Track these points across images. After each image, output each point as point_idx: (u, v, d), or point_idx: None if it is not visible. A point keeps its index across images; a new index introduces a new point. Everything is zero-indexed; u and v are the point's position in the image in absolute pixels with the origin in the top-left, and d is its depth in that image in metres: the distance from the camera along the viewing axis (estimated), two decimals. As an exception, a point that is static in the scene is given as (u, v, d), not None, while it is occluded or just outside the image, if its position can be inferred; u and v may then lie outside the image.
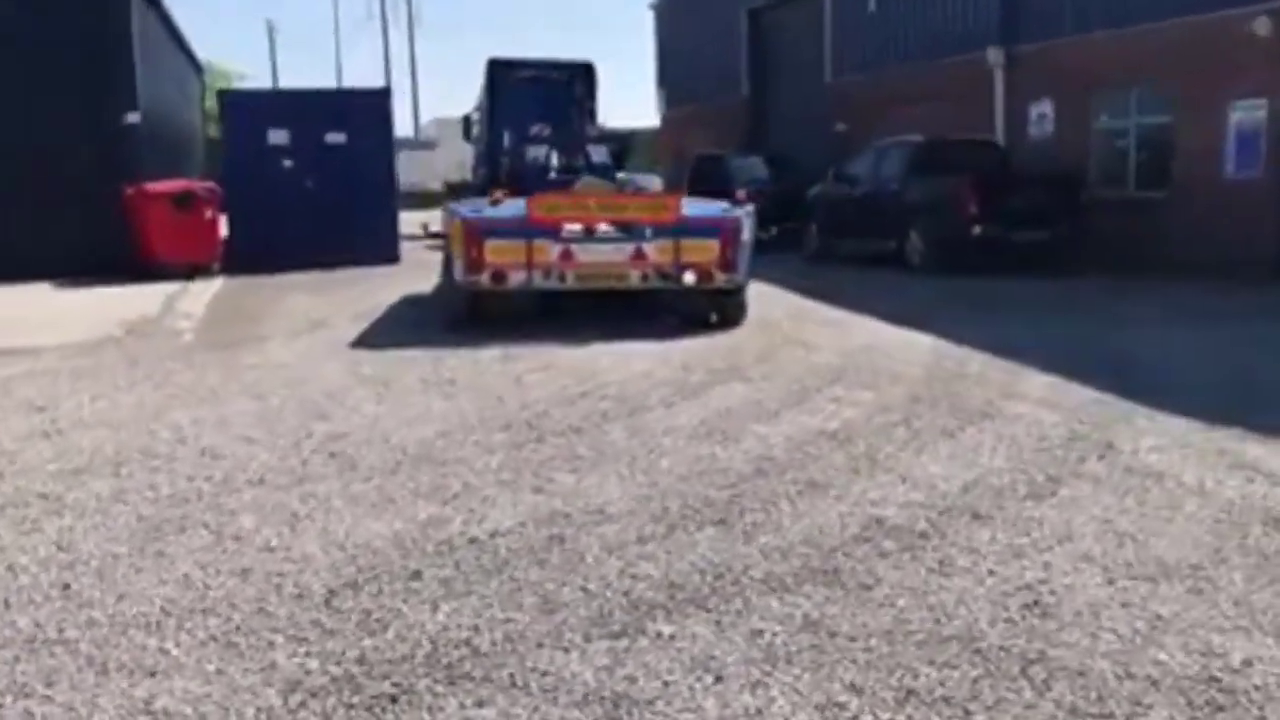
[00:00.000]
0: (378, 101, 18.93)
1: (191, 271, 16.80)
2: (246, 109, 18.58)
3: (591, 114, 24.47)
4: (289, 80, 79.51)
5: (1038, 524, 5.00)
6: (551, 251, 10.42)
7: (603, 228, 10.66)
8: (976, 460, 6.08)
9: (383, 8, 71.80)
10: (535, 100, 23.33)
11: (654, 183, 27.17)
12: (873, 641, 3.80)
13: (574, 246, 10.48)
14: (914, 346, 9.83)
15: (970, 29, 20.06)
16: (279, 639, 3.98)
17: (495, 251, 10.37)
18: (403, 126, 64.56)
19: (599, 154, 23.38)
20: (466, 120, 27.09)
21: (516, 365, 8.90)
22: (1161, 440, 6.43)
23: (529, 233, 10.42)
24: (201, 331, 11.76)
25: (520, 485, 5.73)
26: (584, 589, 4.33)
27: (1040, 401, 7.50)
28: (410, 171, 47.93)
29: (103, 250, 16.76)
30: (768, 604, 4.15)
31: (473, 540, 4.91)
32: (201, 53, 30.15)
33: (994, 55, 19.18)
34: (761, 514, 5.22)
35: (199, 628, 4.10)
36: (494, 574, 4.52)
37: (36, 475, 6.12)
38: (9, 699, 3.57)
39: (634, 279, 10.60)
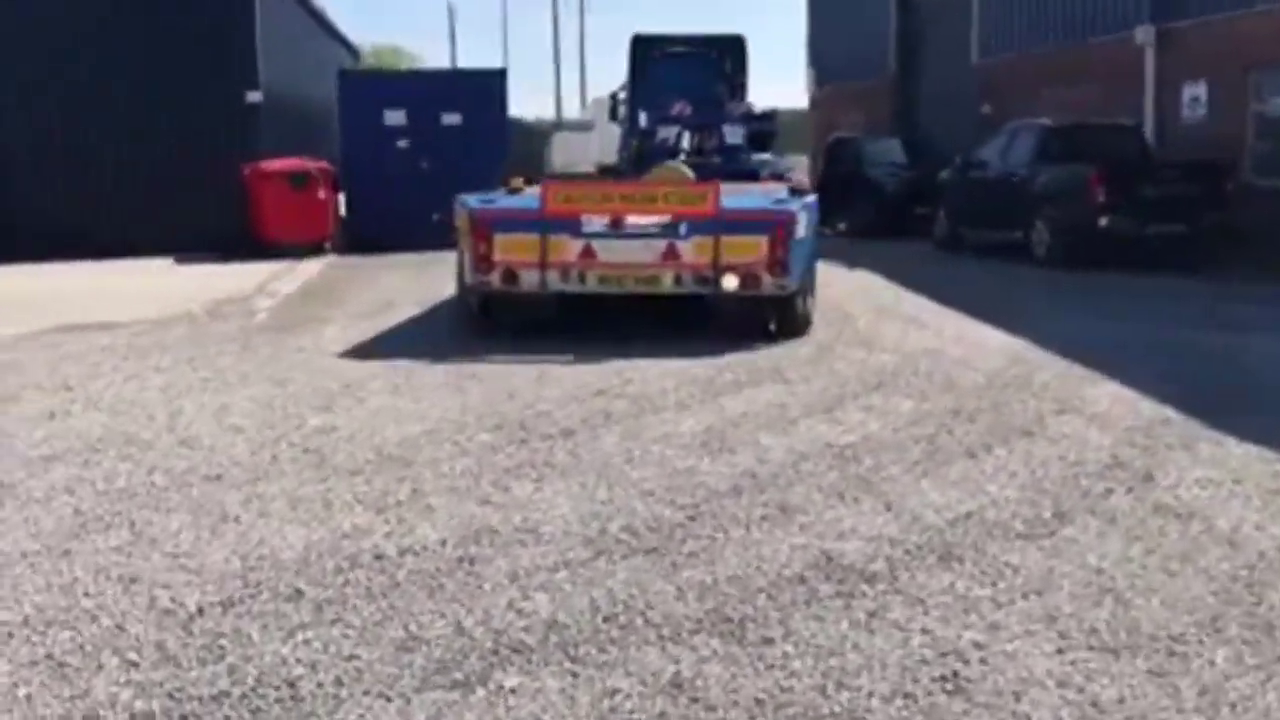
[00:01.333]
0: (493, 82, 18.81)
1: (305, 250, 17.01)
2: (363, 90, 18.73)
3: (741, 91, 22.72)
4: (466, 60, 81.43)
5: (1013, 571, 4.33)
6: (570, 248, 9.07)
7: (632, 220, 9.18)
8: (984, 488, 5.39)
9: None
10: (679, 78, 21.76)
11: (796, 167, 25.93)
12: (732, 714, 3.26)
13: (596, 243, 9.08)
14: (991, 348, 9.02)
15: (1119, 6, 18.60)
16: (113, 662, 3.69)
17: (506, 247, 9.10)
18: (570, 108, 64.88)
19: (734, 135, 21.43)
20: (613, 99, 25.99)
21: (548, 360, 8.49)
22: (1214, 472, 5.60)
23: (544, 226, 9.07)
24: (276, 311, 11.79)
25: (470, 494, 5.34)
26: (457, 624, 3.91)
27: (1096, 418, 6.69)
28: (566, 152, 48.07)
29: (224, 227, 17.15)
30: (645, 656, 3.65)
31: (379, 557, 4.55)
32: (382, 35, 30.75)
33: (1143, 34, 17.72)
34: (706, 542, 4.69)
35: (44, 643, 3.85)
36: (375, 599, 4.14)
37: (12, 460, 6.06)
38: None
39: (666, 282, 9.10)
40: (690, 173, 13.21)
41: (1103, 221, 14.39)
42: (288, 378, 8.13)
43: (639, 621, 3.91)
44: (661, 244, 9.04)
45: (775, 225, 9.09)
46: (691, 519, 4.98)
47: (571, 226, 9.08)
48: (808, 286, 9.57)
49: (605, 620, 3.92)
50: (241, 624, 3.96)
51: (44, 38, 17.34)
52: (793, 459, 5.91)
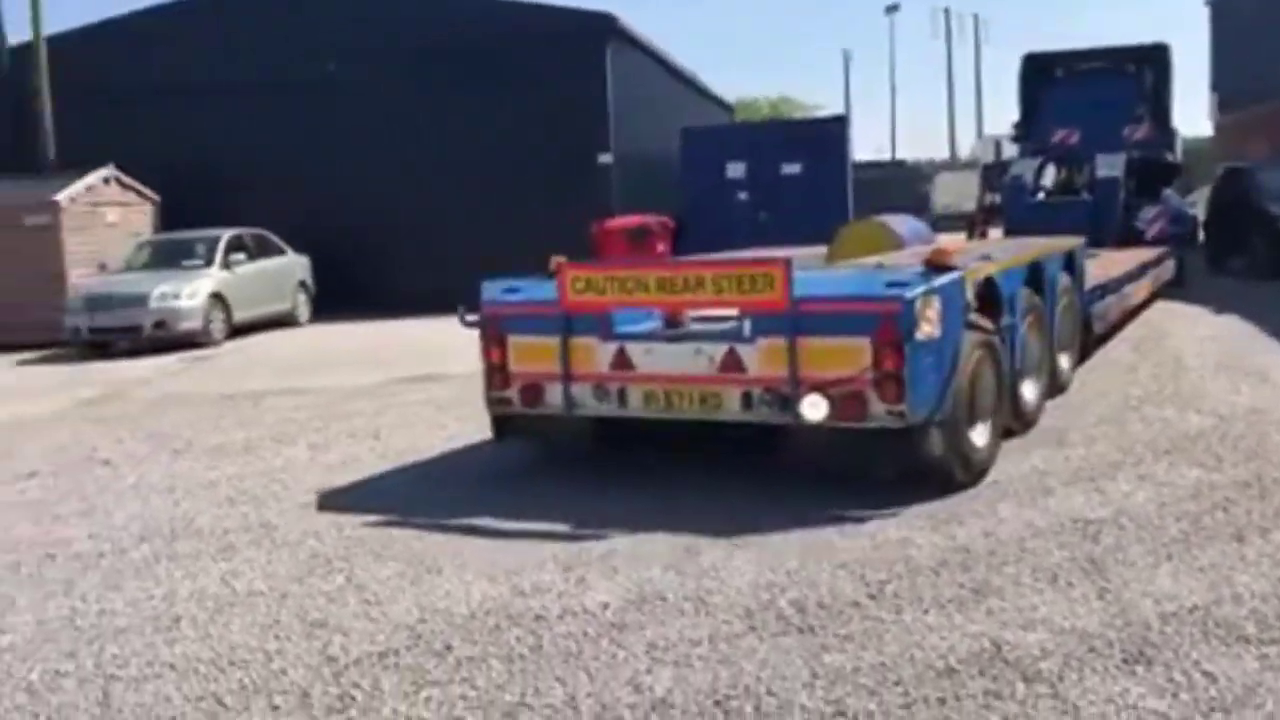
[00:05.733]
0: (833, 130, 18.74)
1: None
2: (705, 145, 19.21)
3: (1164, 113, 18.61)
4: (860, 105, 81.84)
5: (1209, 682, 3.71)
6: (599, 355, 6.51)
7: (693, 316, 6.84)
8: (1233, 579, 4.65)
9: (948, 27, 70.56)
10: (1081, 100, 18.01)
11: (1197, 203, 22.47)
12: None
13: (633, 348, 6.48)
14: (1338, 410, 7.79)
15: None
16: (259, 704, 4.01)
17: (523, 354, 6.72)
18: (966, 146, 62.91)
19: (1109, 166, 17.57)
20: (1020, 128, 19.78)
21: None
22: None
23: (566, 324, 6.55)
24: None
25: (659, 559, 5.28)
26: (571, 696, 3.89)
27: None
28: (949, 194, 46.79)
29: (580, 282, 18.21)
30: (734, 745, 3.45)
31: (539, 618, 4.61)
32: (778, 88, 31.29)
33: None
34: (872, 624, 4.38)
35: (218, 681, 4.22)
36: (512, 661, 4.20)
37: (289, 503, 6.70)
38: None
39: (731, 405, 6.18)
40: (902, 230, 9.95)
41: None
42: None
43: (749, 708, 3.71)
44: (719, 349, 6.24)
45: (879, 321, 5.83)
46: (872, 597, 4.67)
47: (601, 325, 6.57)
48: (963, 415, 6.18)
49: (715, 704, 3.76)
50: (383, 676, 4.15)
51: (429, 119, 19.28)
52: (1023, 534, 5.39)
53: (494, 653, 4.29)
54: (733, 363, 6.18)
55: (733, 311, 6.45)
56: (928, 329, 5.87)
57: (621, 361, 6.48)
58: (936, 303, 5.94)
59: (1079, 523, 5.53)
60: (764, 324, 6.10)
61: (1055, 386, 8.40)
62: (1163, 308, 14.11)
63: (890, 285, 6.02)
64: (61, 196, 17.43)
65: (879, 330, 5.81)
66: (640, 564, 5.20)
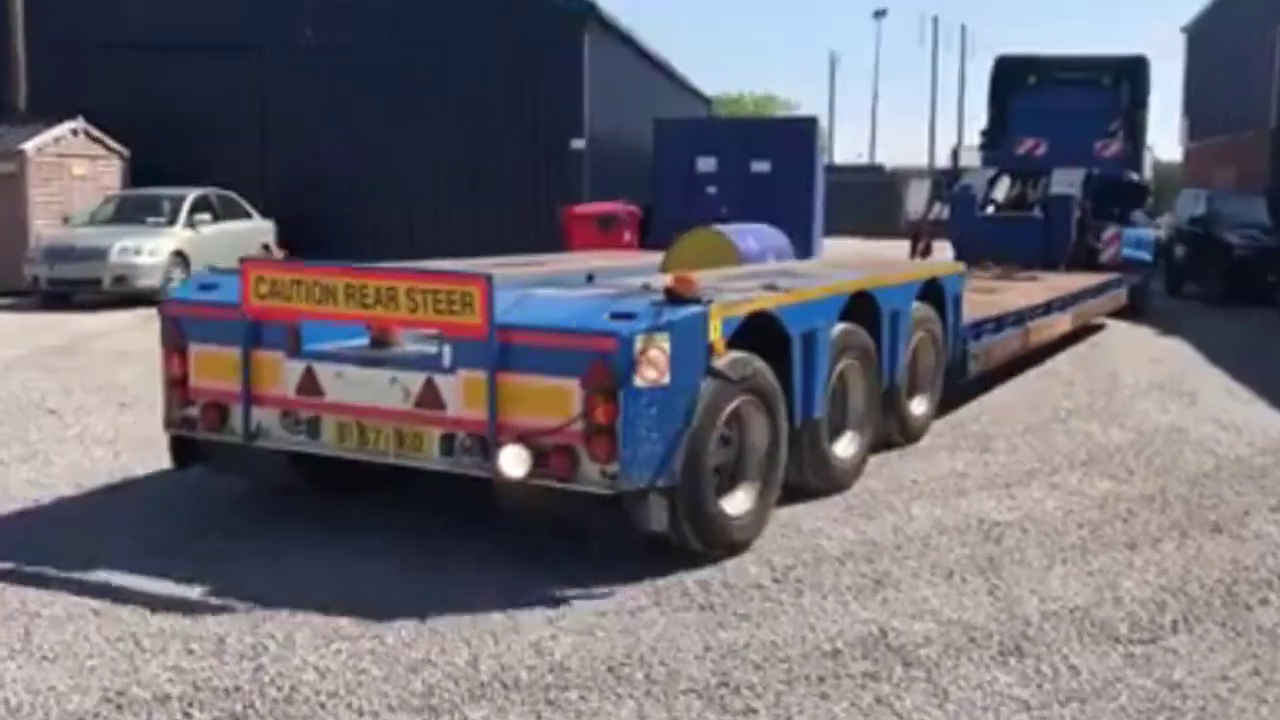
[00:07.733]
0: (803, 130, 18.86)
1: (609, 289, 17.83)
2: (677, 136, 19.32)
3: (1136, 130, 18.31)
4: (844, 108, 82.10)
5: (1072, 675, 3.95)
6: (286, 375, 5.38)
7: (404, 336, 5.68)
8: (1119, 583, 4.90)
9: (935, 35, 71.20)
10: (1048, 110, 17.59)
11: (1146, 235, 21.52)
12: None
13: (321, 369, 5.33)
14: (1251, 432, 8.06)
15: None
16: (175, 647, 4.14)
17: (205, 366, 5.56)
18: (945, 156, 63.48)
19: (1063, 183, 16.71)
20: (987, 136, 19.04)
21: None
22: None
23: (249, 334, 5.41)
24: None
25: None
26: (474, 657, 4.06)
27: (1315, 522, 5.87)
28: (922, 201, 47.08)
29: (545, 264, 18.37)
30: (618, 710, 3.65)
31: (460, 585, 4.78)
32: (765, 85, 31.34)
33: None
34: (771, 605, 4.60)
35: (128, 623, 4.36)
36: (420, 618, 4.38)
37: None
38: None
39: (433, 450, 5.06)
40: (745, 244, 8.11)
41: None
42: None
43: (639, 675, 3.91)
44: (417, 380, 5.11)
45: (590, 361, 4.72)
46: (776, 580, 4.88)
47: (288, 339, 5.42)
48: (705, 481, 4.97)
49: (609, 670, 3.95)
50: (299, 634, 4.31)
51: (403, 93, 19.37)
52: (930, 532, 5.62)
53: (403, 611, 4.46)
54: (431, 398, 5.06)
55: (422, 331, 5.42)
56: (651, 374, 4.72)
57: (310, 385, 5.34)
58: (665, 342, 4.76)
59: (985, 524, 5.77)
60: (465, 353, 4.97)
61: (906, 435, 7.38)
62: (1112, 328, 14.41)
63: (614, 317, 4.83)
64: (29, 146, 17.37)
65: (589, 372, 4.70)
66: (563, 545, 5.38)
